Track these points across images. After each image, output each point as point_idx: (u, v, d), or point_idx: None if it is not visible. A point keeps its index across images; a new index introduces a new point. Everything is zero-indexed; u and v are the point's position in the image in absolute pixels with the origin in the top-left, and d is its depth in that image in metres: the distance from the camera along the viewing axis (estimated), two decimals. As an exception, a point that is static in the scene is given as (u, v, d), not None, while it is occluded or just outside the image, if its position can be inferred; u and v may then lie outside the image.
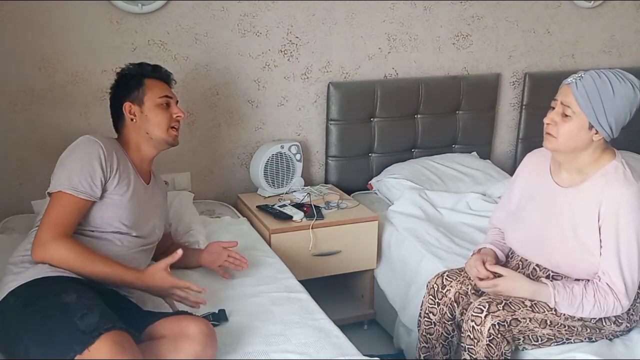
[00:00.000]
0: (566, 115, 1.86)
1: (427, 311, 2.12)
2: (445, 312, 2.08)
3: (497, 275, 1.97)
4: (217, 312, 1.92)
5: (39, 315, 1.57)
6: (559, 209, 1.94)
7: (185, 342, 1.65)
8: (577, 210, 1.89)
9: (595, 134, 1.84)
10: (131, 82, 2.00)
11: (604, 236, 1.84)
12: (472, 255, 2.09)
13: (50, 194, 1.83)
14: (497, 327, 1.82)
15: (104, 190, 1.85)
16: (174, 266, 2.23)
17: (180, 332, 1.67)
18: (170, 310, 1.83)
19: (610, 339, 1.94)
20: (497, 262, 2.08)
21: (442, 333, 2.10)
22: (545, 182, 2.01)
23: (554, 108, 1.90)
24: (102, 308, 1.59)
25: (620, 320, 1.91)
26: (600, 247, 1.84)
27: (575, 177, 1.93)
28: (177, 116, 2.02)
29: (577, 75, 1.85)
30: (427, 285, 2.14)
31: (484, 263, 2.00)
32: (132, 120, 1.98)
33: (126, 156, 1.97)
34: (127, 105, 1.98)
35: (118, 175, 1.88)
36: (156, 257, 2.17)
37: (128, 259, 1.87)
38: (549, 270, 1.99)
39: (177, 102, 2.07)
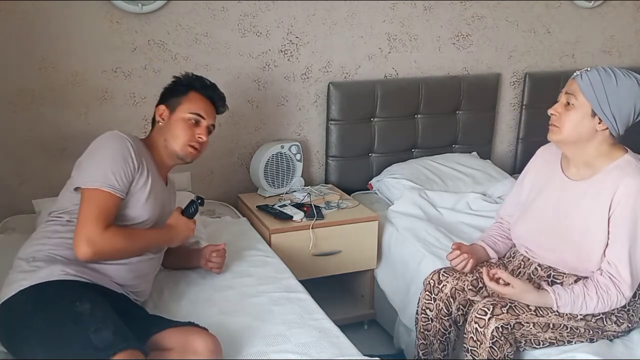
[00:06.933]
0: (569, 104, 1.88)
1: (423, 307, 2.12)
2: (442, 308, 2.08)
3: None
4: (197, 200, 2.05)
5: (49, 322, 1.55)
6: (569, 201, 1.94)
7: (191, 358, 1.64)
8: (588, 202, 1.89)
9: (599, 123, 1.85)
10: (179, 88, 2.01)
11: (613, 226, 1.84)
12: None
13: (78, 189, 1.79)
14: (500, 330, 1.82)
15: (130, 186, 1.83)
16: (176, 266, 2.22)
17: (187, 346, 1.65)
18: (177, 319, 1.81)
19: (611, 340, 1.94)
20: (486, 260, 2.14)
21: (439, 329, 2.10)
22: (556, 174, 2.02)
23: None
24: (116, 321, 1.56)
25: (621, 321, 1.91)
26: (608, 238, 1.84)
27: (584, 171, 1.94)
28: (198, 136, 1.97)
29: (584, 69, 1.89)
30: (423, 282, 2.15)
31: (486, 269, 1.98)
32: (159, 123, 1.98)
33: (150, 156, 1.95)
34: (160, 107, 1.98)
35: (145, 172, 1.86)
36: (164, 261, 2.14)
37: (139, 265, 1.85)
38: (550, 269, 1.99)
39: (212, 126, 2.03)
